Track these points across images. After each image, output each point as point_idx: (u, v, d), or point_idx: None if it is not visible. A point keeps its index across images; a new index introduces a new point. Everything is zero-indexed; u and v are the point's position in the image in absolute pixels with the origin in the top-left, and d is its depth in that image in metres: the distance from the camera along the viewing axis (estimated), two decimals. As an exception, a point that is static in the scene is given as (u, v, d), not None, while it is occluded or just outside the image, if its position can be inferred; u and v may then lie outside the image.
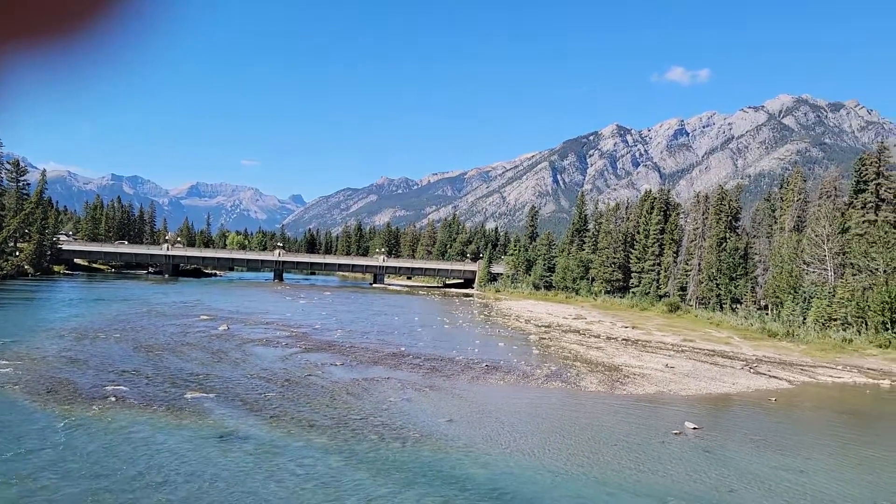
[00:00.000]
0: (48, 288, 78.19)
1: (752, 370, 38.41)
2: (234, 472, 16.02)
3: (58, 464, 15.68)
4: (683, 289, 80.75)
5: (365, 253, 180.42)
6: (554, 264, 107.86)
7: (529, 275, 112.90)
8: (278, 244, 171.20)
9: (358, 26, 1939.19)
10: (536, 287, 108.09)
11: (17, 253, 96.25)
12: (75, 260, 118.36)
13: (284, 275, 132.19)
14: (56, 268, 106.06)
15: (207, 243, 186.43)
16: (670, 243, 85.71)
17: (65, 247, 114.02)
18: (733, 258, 70.03)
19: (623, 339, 51.33)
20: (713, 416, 27.06)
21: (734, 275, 69.50)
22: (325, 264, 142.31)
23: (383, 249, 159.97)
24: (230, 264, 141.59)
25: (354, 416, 22.30)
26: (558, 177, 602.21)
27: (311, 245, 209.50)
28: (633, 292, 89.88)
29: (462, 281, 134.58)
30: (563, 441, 20.99)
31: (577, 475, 17.50)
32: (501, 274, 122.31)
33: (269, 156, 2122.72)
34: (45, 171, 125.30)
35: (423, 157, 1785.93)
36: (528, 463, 18.37)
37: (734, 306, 69.08)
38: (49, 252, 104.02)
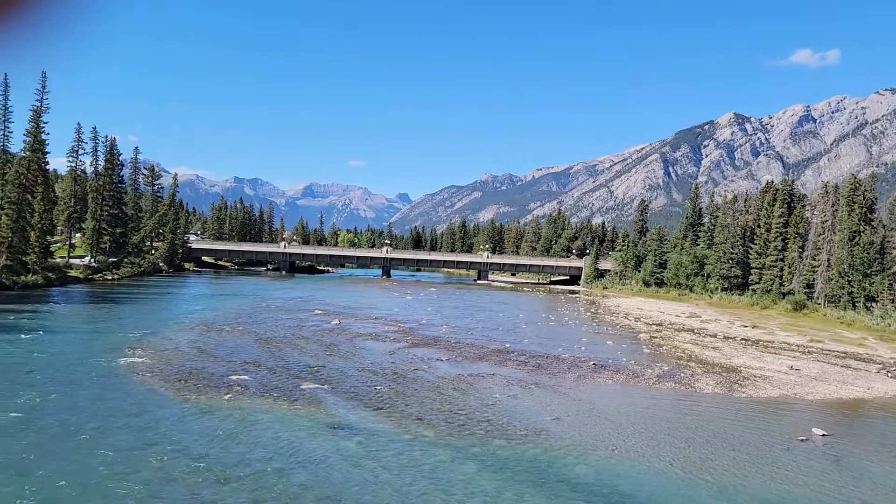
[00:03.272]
0: (179, 283, 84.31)
1: (890, 374, 35.30)
2: (346, 461, 16.60)
3: (190, 448, 16.89)
4: (810, 286, 75.42)
5: (469, 249, 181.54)
6: (665, 260, 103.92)
7: (639, 271, 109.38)
8: (386, 242, 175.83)
9: (466, 24, 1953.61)
10: (647, 284, 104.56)
11: (153, 251, 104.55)
12: (203, 257, 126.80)
13: (392, 271, 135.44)
14: (186, 265, 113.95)
15: (320, 241, 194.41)
16: (795, 237, 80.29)
17: (194, 245, 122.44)
18: (868, 253, 64.57)
19: (742, 339, 48.67)
20: (844, 422, 25.12)
21: (869, 271, 64.09)
22: (431, 261, 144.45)
23: (487, 246, 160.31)
24: (341, 261, 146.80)
25: (460, 411, 22.51)
26: (670, 169, 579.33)
27: (417, 242, 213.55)
28: (752, 290, 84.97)
29: (567, 278, 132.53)
30: (677, 444, 20.19)
31: (692, 480, 16.77)
32: (609, 270, 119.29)
33: (375, 155, 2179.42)
34: (176, 175, 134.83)
35: (527, 152, 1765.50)
36: (638, 465, 17.82)
37: (869, 305, 63.73)
38: (180, 250, 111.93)
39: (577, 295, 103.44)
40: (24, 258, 64.25)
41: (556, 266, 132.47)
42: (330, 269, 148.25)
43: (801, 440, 21.04)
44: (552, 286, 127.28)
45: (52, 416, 18.99)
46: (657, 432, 21.62)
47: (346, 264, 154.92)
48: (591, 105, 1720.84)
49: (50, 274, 67.32)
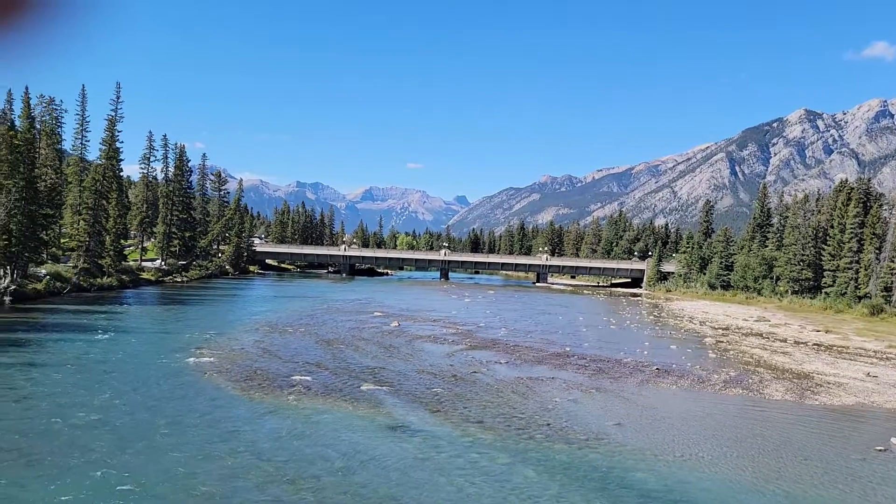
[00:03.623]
0: (244, 286, 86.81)
1: (978, 383, 33.16)
2: (405, 462, 16.72)
3: (256, 446, 17.35)
4: (888, 289, 71.68)
5: (528, 252, 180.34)
6: (732, 262, 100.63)
7: (704, 274, 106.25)
8: (444, 244, 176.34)
9: (524, 21, 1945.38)
10: (712, 287, 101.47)
11: (220, 254, 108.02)
12: (266, 260, 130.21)
13: (450, 273, 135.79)
14: (251, 267, 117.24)
15: (380, 244, 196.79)
16: (871, 238, 76.49)
17: (258, 248, 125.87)
18: (952, 254, 60.94)
19: (814, 345, 46.66)
20: (928, 434, 23.73)
21: (953, 273, 60.47)
22: (489, 263, 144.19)
23: (546, 248, 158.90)
24: (400, 264, 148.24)
25: (520, 414, 22.37)
26: (736, 168, 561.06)
27: (475, 245, 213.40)
28: (825, 293, 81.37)
29: (629, 280, 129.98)
30: (745, 452, 19.50)
31: (761, 490, 16.17)
32: (672, 273, 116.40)
33: (433, 158, 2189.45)
34: (241, 180, 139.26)
35: (587, 153, 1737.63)
36: (704, 473, 17.30)
37: (954, 309, 60.12)
38: (245, 253, 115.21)
39: (639, 298, 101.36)
40: (99, 261, 67.43)
41: (617, 268, 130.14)
42: (389, 271, 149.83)
43: (879, 450, 20.00)
44: (613, 289, 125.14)
45: (127, 414, 19.85)
46: (724, 439, 20.95)
47: (405, 267, 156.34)
48: (653, 104, 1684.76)
49: (123, 276, 70.43)
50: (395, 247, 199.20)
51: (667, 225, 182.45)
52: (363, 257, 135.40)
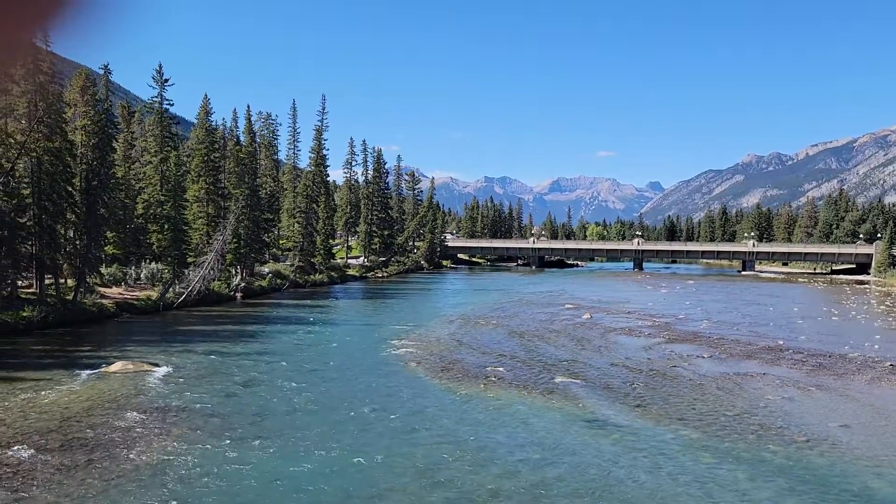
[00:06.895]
0: (439, 280, 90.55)
1: None
2: (603, 457, 16.33)
3: (453, 433, 18.02)
4: None
5: (731, 238, 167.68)
6: None
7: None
8: (637, 233, 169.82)
9: (728, 21, 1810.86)
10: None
11: (415, 250, 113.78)
12: (458, 255, 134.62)
13: (644, 264, 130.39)
14: (444, 262, 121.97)
15: (569, 235, 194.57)
16: None
17: (449, 244, 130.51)
18: None
19: None
20: None
21: None
22: (687, 252, 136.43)
23: (752, 234, 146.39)
24: (590, 255, 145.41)
25: (726, 412, 20.84)
26: None
27: (671, 232, 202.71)
28: None
29: (853, 266, 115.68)
30: None
31: None
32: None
33: (625, 145, 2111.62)
34: (433, 178, 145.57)
35: (798, 126, 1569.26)
36: (959, 488, 14.83)
37: None
38: (438, 249, 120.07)
39: (866, 286, 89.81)
40: (312, 259, 74.21)
41: (839, 253, 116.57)
42: (579, 262, 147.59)
43: None
44: (834, 276, 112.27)
45: (338, 398, 21.64)
46: (984, 450, 17.79)
47: (596, 257, 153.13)
48: (878, 62, 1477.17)
49: (332, 273, 76.87)
50: (584, 237, 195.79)
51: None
52: (552, 249, 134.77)
